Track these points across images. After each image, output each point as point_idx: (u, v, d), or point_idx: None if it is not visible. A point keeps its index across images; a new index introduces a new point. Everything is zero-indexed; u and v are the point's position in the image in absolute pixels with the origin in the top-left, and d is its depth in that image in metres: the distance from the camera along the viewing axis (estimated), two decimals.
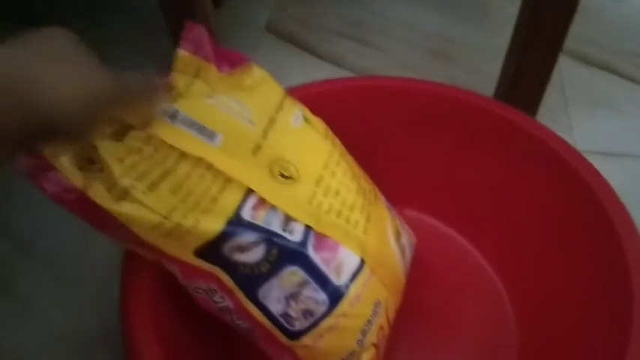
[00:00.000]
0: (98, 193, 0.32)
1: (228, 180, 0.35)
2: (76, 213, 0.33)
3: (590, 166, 0.46)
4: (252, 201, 0.35)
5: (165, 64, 0.39)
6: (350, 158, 0.46)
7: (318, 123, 0.44)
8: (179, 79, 0.38)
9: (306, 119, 0.43)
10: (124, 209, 0.32)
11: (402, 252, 0.47)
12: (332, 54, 0.87)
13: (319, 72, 0.84)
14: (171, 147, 0.34)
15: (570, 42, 0.81)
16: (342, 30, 0.91)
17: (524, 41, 0.63)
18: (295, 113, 0.42)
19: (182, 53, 0.39)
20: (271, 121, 0.39)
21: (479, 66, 0.83)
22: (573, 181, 0.46)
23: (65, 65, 0.27)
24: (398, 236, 0.47)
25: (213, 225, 0.34)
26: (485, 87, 0.75)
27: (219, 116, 0.37)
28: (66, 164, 0.32)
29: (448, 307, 0.53)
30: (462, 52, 0.86)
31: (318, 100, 0.46)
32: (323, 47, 0.88)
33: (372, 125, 0.56)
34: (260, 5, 0.95)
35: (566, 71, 0.82)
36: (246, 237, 0.34)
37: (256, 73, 0.42)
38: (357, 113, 0.55)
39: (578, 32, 0.85)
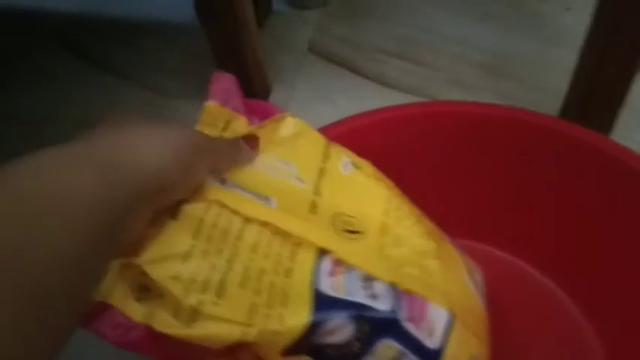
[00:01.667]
0: (165, 323, 0.27)
1: (297, 244, 0.31)
2: (145, 351, 0.28)
3: None
4: (326, 266, 0.32)
5: (207, 89, 0.37)
6: (406, 198, 0.42)
7: (367, 167, 0.41)
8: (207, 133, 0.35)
9: (355, 165, 0.40)
10: (199, 331, 0.28)
11: (480, 291, 0.43)
12: (378, 73, 0.83)
13: (365, 93, 0.80)
14: (233, 215, 0.31)
15: None
16: (387, 48, 0.87)
17: (599, 56, 0.58)
18: (343, 160, 0.39)
19: (211, 104, 0.36)
20: (321, 173, 0.37)
21: (536, 81, 0.78)
22: None
23: (151, 129, 0.28)
24: (472, 275, 0.43)
25: (299, 318, 0.29)
26: (545, 104, 0.70)
27: (267, 179, 0.34)
28: (122, 298, 0.28)
29: (529, 347, 0.49)
30: (518, 67, 0.81)
31: (360, 134, 0.46)
32: (368, 67, 0.84)
33: (418, 153, 0.53)
34: (302, 25, 0.92)
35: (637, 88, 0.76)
36: (335, 320, 0.30)
37: (291, 124, 0.39)
38: (401, 142, 0.52)
39: None
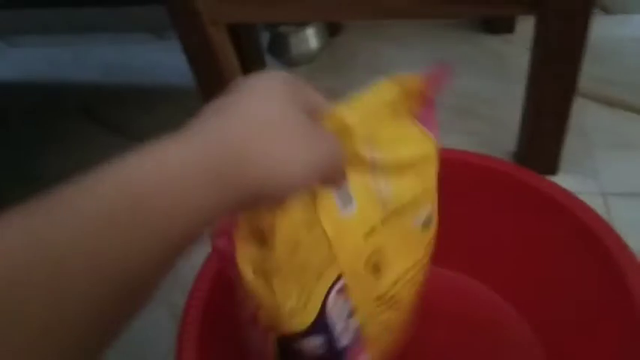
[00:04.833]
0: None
1: (332, 259, 0.37)
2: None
3: (603, 222, 0.49)
4: (341, 283, 0.38)
5: None
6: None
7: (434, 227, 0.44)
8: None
9: (426, 224, 0.43)
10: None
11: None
12: None
13: None
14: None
15: (590, 84, 0.83)
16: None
17: (538, 87, 0.66)
18: (418, 216, 0.42)
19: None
20: (397, 215, 0.40)
21: (501, 118, 0.87)
22: (583, 234, 0.49)
23: (284, 135, 0.27)
24: None
25: (303, 322, 0.37)
26: (509, 138, 0.78)
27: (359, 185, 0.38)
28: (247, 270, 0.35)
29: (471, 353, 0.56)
30: (484, 106, 0.90)
31: None
32: None
33: None
34: None
35: (589, 115, 0.84)
36: (317, 340, 0.38)
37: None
38: None
39: (598, 74, 0.88)
